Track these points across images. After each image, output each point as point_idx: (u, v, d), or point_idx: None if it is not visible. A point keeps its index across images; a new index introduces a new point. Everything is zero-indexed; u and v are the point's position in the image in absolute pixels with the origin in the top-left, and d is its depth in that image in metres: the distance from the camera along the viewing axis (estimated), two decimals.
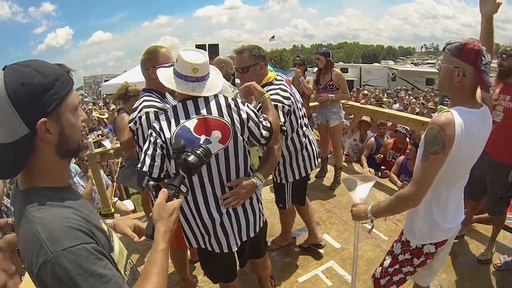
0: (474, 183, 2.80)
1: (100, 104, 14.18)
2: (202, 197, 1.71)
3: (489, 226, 3.15)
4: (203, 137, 1.62)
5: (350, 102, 4.98)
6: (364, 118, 5.24)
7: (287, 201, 2.74)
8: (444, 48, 1.55)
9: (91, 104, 14.17)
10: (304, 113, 2.60)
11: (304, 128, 2.56)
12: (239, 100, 1.76)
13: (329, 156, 4.67)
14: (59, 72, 0.86)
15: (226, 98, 1.73)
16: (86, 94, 22.30)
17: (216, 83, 1.74)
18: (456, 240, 3.04)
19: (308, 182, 2.96)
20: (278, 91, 2.23)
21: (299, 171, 2.61)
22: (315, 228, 2.99)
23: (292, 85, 2.49)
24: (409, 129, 4.64)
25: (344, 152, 5.18)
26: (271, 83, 2.27)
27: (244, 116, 1.71)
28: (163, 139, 1.63)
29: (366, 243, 3.05)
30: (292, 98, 2.29)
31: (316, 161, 2.70)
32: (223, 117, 1.67)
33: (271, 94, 2.13)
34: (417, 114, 7.49)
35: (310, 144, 2.63)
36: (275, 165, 2.16)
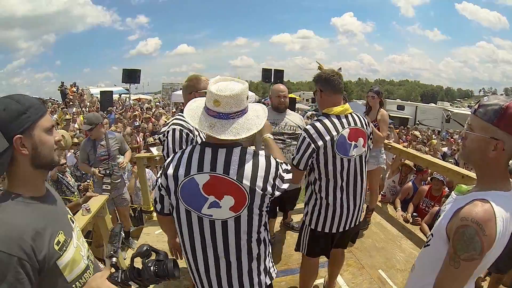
0: (500, 256, 2.61)
1: (173, 110, 15.01)
2: (203, 262, 1.49)
3: None
4: (211, 198, 1.36)
5: (392, 144, 4.82)
6: (407, 162, 5.03)
7: (301, 245, 2.46)
8: (475, 110, 1.17)
9: (161, 108, 15.09)
10: (359, 170, 2.24)
11: (341, 183, 2.20)
12: (282, 166, 1.48)
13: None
14: (34, 102, 1.09)
15: (258, 157, 1.41)
16: (158, 99, 23.89)
17: (247, 127, 1.37)
18: None
19: None
20: (316, 123, 2.11)
21: (316, 222, 2.30)
22: (335, 284, 2.82)
23: (360, 137, 2.20)
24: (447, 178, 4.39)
25: (381, 192, 5.00)
26: (326, 115, 2.14)
27: (273, 184, 1.41)
28: (162, 182, 1.45)
29: None
30: (330, 141, 2.07)
31: (347, 226, 2.32)
32: (242, 182, 1.35)
33: (311, 123, 2.13)
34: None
35: (343, 203, 2.25)
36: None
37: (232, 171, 1.35)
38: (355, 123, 2.18)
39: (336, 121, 2.11)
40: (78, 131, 9.46)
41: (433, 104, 35.22)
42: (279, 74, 16.42)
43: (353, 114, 2.21)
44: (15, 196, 1.06)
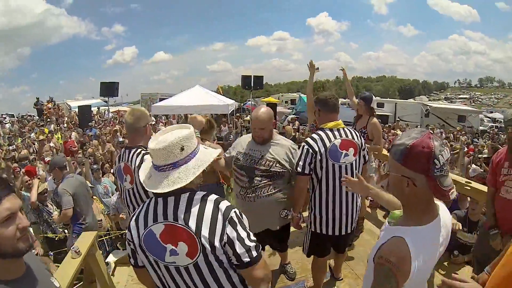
0: (483, 262, 2.64)
1: (152, 123, 14.78)
2: None
3: None
4: (169, 247, 1.36)
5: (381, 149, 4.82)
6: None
7: (304, 247, 2.78)
8: (389, 150, 1.31)
9: None
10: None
11: (334, 188, 2.47)
12: (234, 212, 1.37)
13: None
14: None
15: (205, 202, 1.37)
16: None
17: (172, 181, 1.35)
18: None
19: None
20: (314, 135, 2.51)
21: (315, 225, 2.60)
22: (320, 286, 2.91)
23: (351, 147, 2.49)
24: None
25: (370, 198, 5.00)
26: (322, 129, 2.53)
27: (230, 235, 1.33)
28: (128, 236, 1.46)
29: None
30: (323, 147, 2.42)
31: (342, 230, 2.57)
32: (189, 227, 1.33)
33: (310, 136, 2.56)
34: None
35: (336, 208, 2.50)
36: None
37: (180, 217, 1.34)
38: (346, 135, 2.52)
39: (329, 133, 2.48)
40: (54, 151, 9.21)
41: (412, 100, 36.08)
42: (259, 80, 16.26)
43: (345, 128, 2.56)
44: None
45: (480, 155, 7.58)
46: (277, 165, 2.57)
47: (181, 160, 1.36)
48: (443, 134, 13.46)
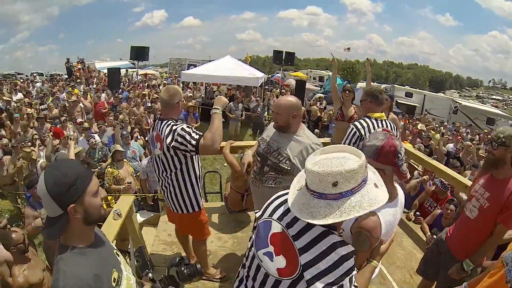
0: (429, 263, 2.79)
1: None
2: None
3: None
4: (271, 248, 1.31)
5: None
6: (412, 162, 5.04)
7: None
8: (362, 148, 1.59)
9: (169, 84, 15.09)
10: None
11: None
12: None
13: None
14: (80, 171, 1.22)
15: (333, 251, 1.20)
16: (166, 75, 24.33)
17: (319, 212, 1.18)
18: None
19: None
20: (362, 121, 3.03)
21: None
22: None
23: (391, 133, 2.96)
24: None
25: None
26: (368, 117, 3.06)
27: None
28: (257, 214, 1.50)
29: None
30: (367, 135, 2.84)
31: None
32: (301, 256, 1.21)
33: (358, 121, 3.09)
34: (468, 162, 7.16)
35: None
36: None
37: (300, 242, 1.24)
38: (387, 126, 3.02)
39: (374, 122, 3.01)
40: (83, 112, 9.47)
41: (441, 94, 34.68)
42: (290, 56, 16.12)
43: (384, 120, 3.09)
44: (71, 248, 1.24)
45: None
46: (287, 162, 2.47)
47: (330, 194, 1.19)
48: (469, 135, 12.67)
